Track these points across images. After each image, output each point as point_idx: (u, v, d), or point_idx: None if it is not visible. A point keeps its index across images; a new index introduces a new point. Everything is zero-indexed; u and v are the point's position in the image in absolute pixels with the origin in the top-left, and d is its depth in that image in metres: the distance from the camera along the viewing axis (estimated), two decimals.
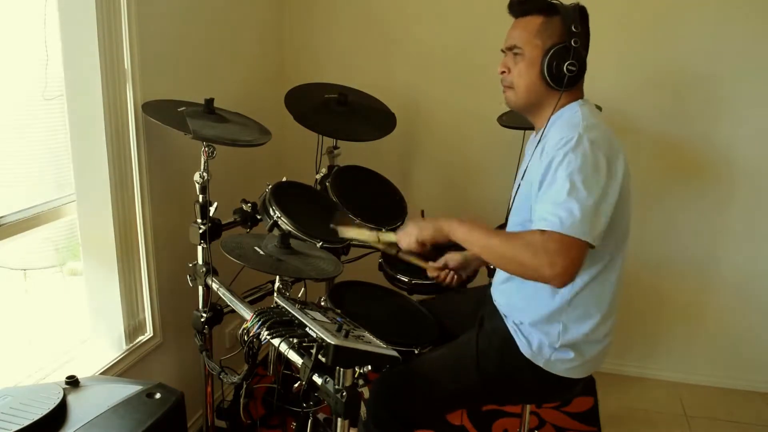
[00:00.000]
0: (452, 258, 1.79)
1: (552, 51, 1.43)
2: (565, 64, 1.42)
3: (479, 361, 1.56)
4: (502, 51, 1.54)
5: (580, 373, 1.56)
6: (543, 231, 1.34)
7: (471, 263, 1.80)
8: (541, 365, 1.52)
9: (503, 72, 1.52)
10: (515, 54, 1.49)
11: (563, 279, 1.33)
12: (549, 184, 1.37)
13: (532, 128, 1.64)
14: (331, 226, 1.77)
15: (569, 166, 1.34)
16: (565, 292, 1.48)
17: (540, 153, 1.44)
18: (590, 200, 1.33)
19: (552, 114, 1.50)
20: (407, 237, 1.57)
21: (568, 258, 1.31)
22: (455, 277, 1.79)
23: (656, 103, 2.48)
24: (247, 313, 1.57)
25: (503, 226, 1.67)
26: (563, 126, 1.43)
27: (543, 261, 1.31)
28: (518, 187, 1.57)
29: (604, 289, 1.51)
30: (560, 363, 1.52)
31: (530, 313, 1.53)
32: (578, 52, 1.43)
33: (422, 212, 2.01)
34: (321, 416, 1.80)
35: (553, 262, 1.30)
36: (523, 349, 1.53)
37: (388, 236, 1.68)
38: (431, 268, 1.79)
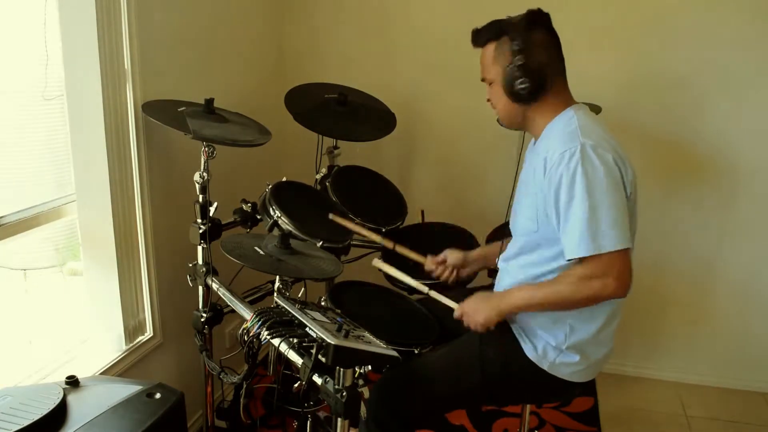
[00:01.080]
0: (452, 255, 1.79)
1: (505, 74, 1.47)
2: (516, 83, 1.45)
3: (483, 363, 1.56)
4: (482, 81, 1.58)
5: (583, 377, 1.56)
6: (582, 259, 1.37)
7: (471, 263, 1.80)
8: (545, 368, 1.52)
9: (488, 100, 1.58)
10: (489, 84, 1.54)
11: (623, 290, 1.38)
12: (567, 206, 1.38)
13: None
14: (375, 262, 1.79)
15: (582, 181, 1.35)
16: None
17: (542, 164, 1.44)
18: (612, 208, 1.35)
19: (547, 123, 1.51)
20: (472, 320, 1.54)
21: (615, 272, 1.36)
22: (453, 273, 1.78)
23: (656, 102, 2.48)
24: (247, 313, 1.57)
25: (503, 227, 1.67)
26: (562, 136, 1.43)
27: (597, 286, 1.37)
28: (514, 195, 1.57)
29: None
30: (565, 366, 1.52)
31: (536, 316, 1.53)
32: (526, 68, 1.44)
33: (422, 212, 2.01)
34: (322, 414, 1.79)
35: (606, 284, 1.36)
36: (528, 352, 1.53)
37: (442, 298, 1.63)
38: (430, 262, 1.79)
